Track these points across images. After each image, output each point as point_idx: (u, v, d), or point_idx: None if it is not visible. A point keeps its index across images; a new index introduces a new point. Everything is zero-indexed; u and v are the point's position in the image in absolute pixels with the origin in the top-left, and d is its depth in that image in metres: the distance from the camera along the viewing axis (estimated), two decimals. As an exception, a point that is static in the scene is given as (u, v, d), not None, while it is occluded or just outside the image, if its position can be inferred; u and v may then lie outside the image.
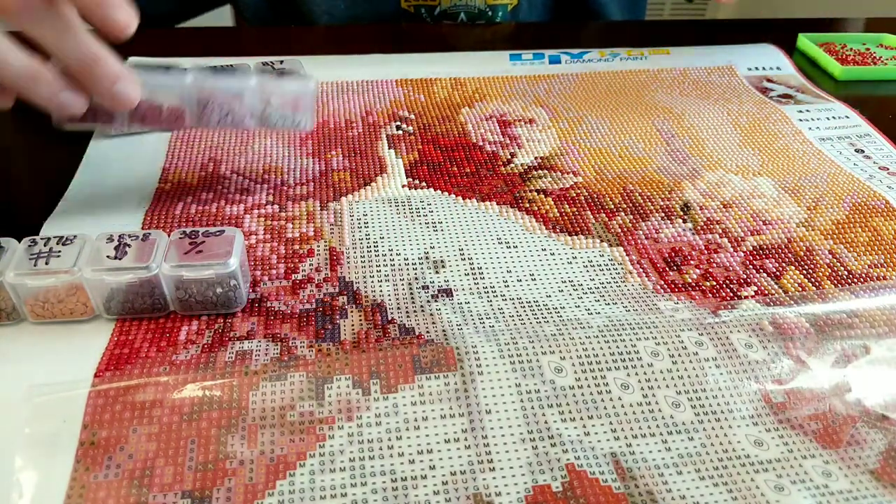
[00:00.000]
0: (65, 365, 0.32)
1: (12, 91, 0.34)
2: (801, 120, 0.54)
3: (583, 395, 0.31)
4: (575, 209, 0.43)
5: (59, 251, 0.33)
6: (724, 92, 0.58)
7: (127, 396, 0.30)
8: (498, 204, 0.43)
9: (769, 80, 0.60)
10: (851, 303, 0.37)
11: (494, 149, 0.49)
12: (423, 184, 0.45)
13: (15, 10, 0.31)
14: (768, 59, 0.64)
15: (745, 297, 0.37)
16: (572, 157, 0.48)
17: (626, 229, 0.42)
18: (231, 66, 0.44)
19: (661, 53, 0.63)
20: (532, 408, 0.31)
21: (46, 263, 0.33)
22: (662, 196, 0.44)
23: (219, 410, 0.30)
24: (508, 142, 0.50)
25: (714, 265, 0.39)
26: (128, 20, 0.33)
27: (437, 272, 0.38)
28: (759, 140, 0.51)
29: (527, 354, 0.33)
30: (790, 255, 0.40)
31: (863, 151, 0.50)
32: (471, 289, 0.37)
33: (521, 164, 0.47)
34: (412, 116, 0.53)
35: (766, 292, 0.37)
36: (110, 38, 0.33)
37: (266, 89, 0.40)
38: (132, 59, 0.37)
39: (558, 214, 0.43)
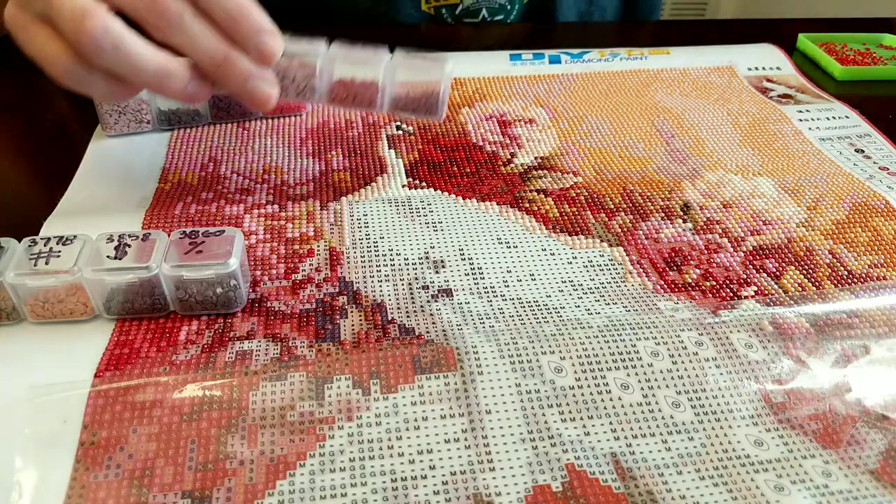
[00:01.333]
0: (65, 365, 0.32)
1: (141, 86, 0.36)
2: (801, 120, 0.54)
3: (583, 395, 0.31)
4: (575, 209, 0.43)
5: (59, 251, 0.33)
6: (724, 92, 0.58)
7: (127, 396, 0.30)
8: (498, 204, 0.43)
9: (769, 80, 0.60)
10: (851, 303, 0.37)
11: (494, 149, 0.49)
12: (423, 184, 0.45)
13: (153, 23, 0.33)
14: (768, 59, 0.64)
15: (745, 297, 0.37)
16: (572, 157, 0.48)
17: (626, 229, 0.42)
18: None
19: (661, 53, 0.63)
20: (532, 408, 0.31)
21: (46, 263, 0.33)
22: (662, 196, 0.44)
23: (219, 410, 0.30)
24: (508, 142, 0.50)
25: (714, 265, 0.39)
26: (275, 48, 0.35)
27: (437, 272, 0.38)
28: (759, 140, 0.51)
29: (527, 354, 0.33)
30: (790, 255, 0.40)
31: (863, 151, 0.50)
32: (471, 289, 0.37)
33: (521, 164, 0.47)
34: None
35: (766, 292, 0.37)
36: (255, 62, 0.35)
37: (398, 76, 0.39)
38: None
39: (558, 214, 0.43)
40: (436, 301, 0.36)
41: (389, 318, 0.35)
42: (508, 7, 0.71)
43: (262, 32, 0.35)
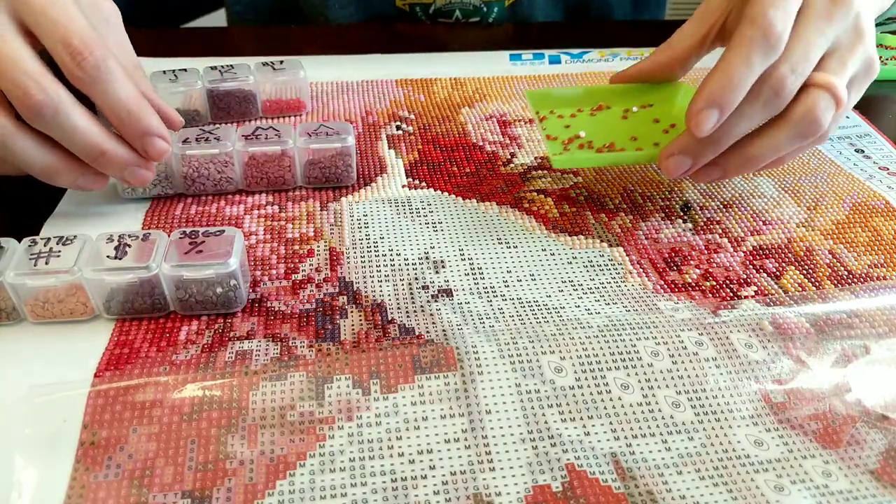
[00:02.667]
0: (65, 365, 0.32)
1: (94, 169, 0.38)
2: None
3: (583, 395, 0.31)
4: (575, 209, 0.43)
5: (59, 251, 0.33)
6: (724, 92, 0.57)
7: (127, 396, 0.30)
8: (498, 204, 0.43)
9: (769, 80, 0.60)
10: (851, 303, 0.37)
11: (494, 149, 0.49)
12: (423, 184, 0.45)
13: (25, 114, 0.34)
14: (768, 59, 0.63)
15: (745, 297, 0.37)
16: (572, 157, 0.48)
17: (626, 229, 0.42)
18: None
19: (661, 53, 0.63)
20: (532, 408, 0.31)
21: (46, 263, 0.33)
22: (662, 196, 0.44)
23: (219, 410, 0.30)
24: (508, 142, 0.50)
25: (714, 265, 0.39)
26: (160, 150, 0.38)
27: (437, 272, 0.38)
28: (759, 140, 0.51)
29: (527, 354, 0.33)
30: (790, 255, 0.40)
31: (863, 151, 0.50)
32: (471, 289, 0.37)
33: (521, 164, 0.47)
34: (412, 116, 0.53)
35: (766, 292, 0.37)
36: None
37: (305, 150, 0.43)
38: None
39: (558, 214, 0.43)
40: (436, 301, 0.36)
41: (389, 318, 0.35)
42: (485, 10, 0.71)
43: (147, 136, 0.37)
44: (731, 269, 0.39)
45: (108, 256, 0.33)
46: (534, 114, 0.44)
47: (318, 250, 0.39)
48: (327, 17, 0.70)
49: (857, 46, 0.37)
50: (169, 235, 0.34)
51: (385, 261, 0.39)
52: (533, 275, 0.38)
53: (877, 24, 0.50)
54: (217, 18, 0.80)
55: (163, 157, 0.38)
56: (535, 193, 0.44)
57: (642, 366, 0.33)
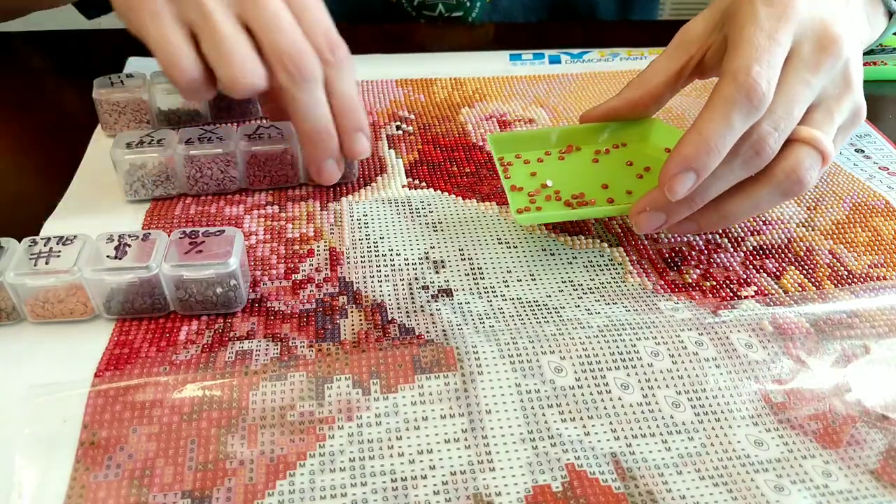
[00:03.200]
0: (65, 365, 0.32)
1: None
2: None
3: (583, 395, 0.31)
4: (575, 209, 0.43)
5: (59, 251, 0.33)
6: (724, 92, 0.57)
7: (127, 396, 0.30)
8: (498, 204, 0.43)
9: (769, 80, 0.60)
10: (851, 303, 0.37)
11: (494, 149, 0.49)
12: (423, 184, 0.45)
13: (292, 72, 0.36)
14: (768, 59, 0.63)
15: (745, 297, 0.37)
16: (572, 157, 0.48)
17: (626, 229, 0.42)
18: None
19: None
20: (532, 408, 0.31)
21: (46, 263, 0.33)
22: (662, 196, 0.44)
23: (219, 410, 0.30)
24: (508, 142, 0.50)
25: (714, 265, 0.39)
26: (365, 149, 0.39)
27: (437, 272, 0.38)
28: (759, 140, 0.51)
29: (527, 354, 0.33)
30: (790, 255, 0.40)
31: (863, 151, 0.50)
32: (471, 289, 0.37)
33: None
34: (412, 116, 0.53)
35: (766, 292, 0.37)
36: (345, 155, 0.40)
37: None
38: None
39: (558, 214, 0.43)
40: (436, 301, 0.36)
41: (389, 318, 0.35)
42: (468, 4, 0.71)
43: (360, 131, 0.39)
44: (731, 269, 0.39)
45: (108, 256, 0.33)
46: (496, 160, 0.41)
47: (318, 250, 0.39)
48: None
49: (845, 96, 0.35)
50: (169, 235, 0.34)
51: (385, 261, 0.39)
52: (533, 275, 0.38)
53: (865, 54, 0.48)
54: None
55: (363, 156, 0.40)
56: (535, 193, 0.44)
57: (642, 366, 0.33)
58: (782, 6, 0.34)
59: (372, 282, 0.37)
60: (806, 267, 0.39)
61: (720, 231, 0.41)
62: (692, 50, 0.39)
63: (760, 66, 0.32)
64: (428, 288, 0.37)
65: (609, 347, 0.33)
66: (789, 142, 0.34)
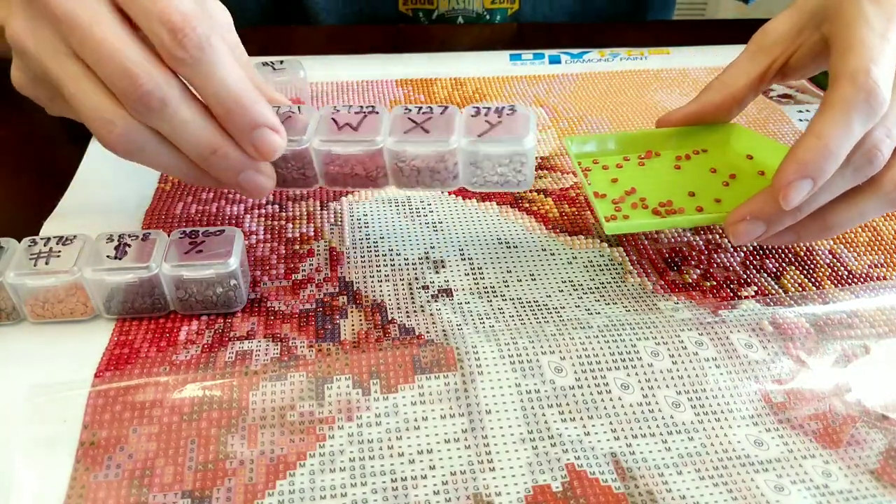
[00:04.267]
0: (65, 365, 0.32)
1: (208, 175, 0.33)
2: (801, 120, 0.54)
3: (583, 395, 0.31)
4: (575, 209, 0.43)
5: (59, 251, 0.33)
6: (724, 92, 0.57)
7: (127, 396, 0.30)
8: (498, 204, 0.43)
9: (769, 80, 0.60)
10: (851, 303, 0.37)
11: (494, 149, 0.49)
12: (423, 184, 0.45)
13: (133, 107, 0.30)
14: (768, 59, 0.63)
15: (745, 297, 0.37)
16: (572, 157, 0.48)
17: (626, 229, 0.42)
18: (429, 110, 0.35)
19: (661, 53, 0.63)
20: (532, 408, 0.31)
21: (46, 263, 0.33)
22: (662, 196, 0.44)
23: (219, 410, 0.30)
24: (508, 142, 0.50)
25: (714, 265, 0.39)
26: (274, 145, 0.32)
27: (437, 272, 0.38)
28: (759, 140, 0.51)
29: (527, 354, 0.33)
30: (790, 255, 0.40)
31: (863, 151, 0.50)
32: (471, 289, 0.37)
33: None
34: (412, 116, 0.53)
35: (766, 292, 0.37)
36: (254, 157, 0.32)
37: (475, 151, 0.34)
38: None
39: (558, 214, 0.43)
40: (436, 301, 0.36)
41: (389, 318, 0.35)
42: (487, 17, 0.71)
43: (258, 127, 0.31)
44: (731, 269, 0.39)
45: (108, 256, 0.33)
46: (575, 165, 0.39)
47: (318, 250, 0.39)
48: (330, 12, 0.70)
49: None
50: (169, 235, 0.34)
51: (385, 261, 0.39)
52: (533, 275, 0.38)
53: None
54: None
55: (275, 154, 0.32)
56: (535, 193, 0.44)
57: (642, 366, 0.33)
58: (891, 5, 0.32)
59: (372, 282, 0.37)
60: (806, 267, 0.39)
61: (720, 231, 0.41)
62: (776, 52, 0.37)
63: (879, 67, 0.30)
64: (428, 288, 0.37)
65: (609, 347, 0.33)
66: None
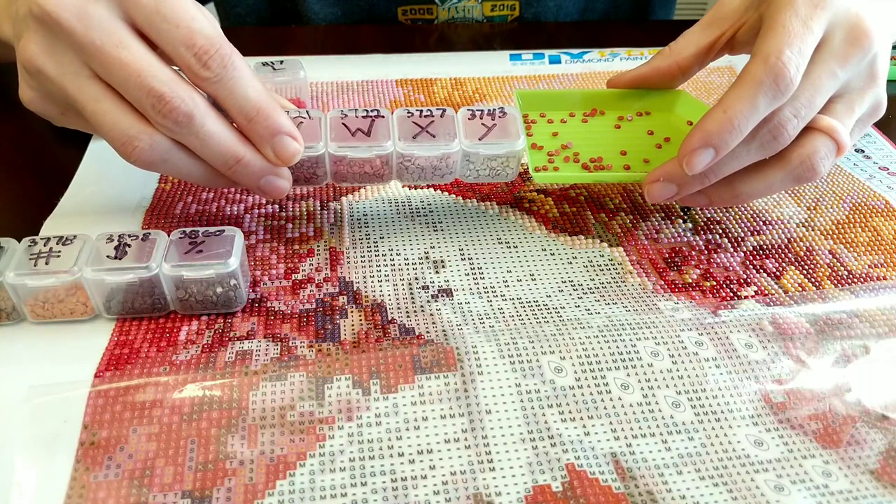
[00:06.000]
0: (65, 365, 0.32)
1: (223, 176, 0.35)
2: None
3: (583, 395, 0.31)
4: (575, 209, 0.43)
5: (59, 251, 0.33)
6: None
7: (127, 396, 0.30)
8: (498, 204, 0.43)
9: (769, 80, 0.60)
10: (851, 303, 0.37)
11: (494, 149, 0.49)
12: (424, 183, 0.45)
13: (160, 122, 0.32)
14: (768, 59, 0.63)
15: (745, 297, 0.37)
16: (572, 157, 0.48)
17: (626, 229, 0.42)
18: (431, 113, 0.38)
19: (661, 53, 0.63)
20: (532, 408, 0.31)
21: (46, 263, 0.33)
22: (662, 196, 0.44)
23: (219, 410, 0.30)
24: (508, 142, 0.50)
25: (714, 265, 0.39)
26: (293, 151, 0.34)
27: (437, 272, 0.38)
28: (759, 140, 0.51)
29: (527, 354, 0.33)
30: (790, 255, 0.40)
31: (863, 151, 0.50)
32: (471, 289, 0.37)
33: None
34: (412, 116, 0.53)
35: (766, 292, 0.37)
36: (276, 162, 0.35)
37: (475, 152, 0.37)
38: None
39: (558, 214, 0.43)
40: (436, 301, 0.36)
41: (389, 318, 0.35)
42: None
43: (278, 135, 0.34)
44: (731, 269, 0.39)
45: (108, 256, 0.33)
46: (519, 117, 0.39)
47: (318, 250, 0.39)
48: (330, 21, 0.70)
49: (869, 90, 0.36)
50: (169, 235, 0.34)
51: (385, 261, 0.39)
52: (533, 275, 0.38)
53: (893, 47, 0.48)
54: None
55: (295, 159, 0.34)
56: (535, 193, 0.44)
57: (642, 366, 0.33)
58: None
59: (372, 282, 0.37)
60: (806, 267, 0.39)
61: (720, 231, 0.41)
62: (725, 25, 0.39)
63: (792, 51, 0.32)
64: (428, 288, 0.37)
65: (609, 347, 0.33)
66: (807, 129, 0.35)
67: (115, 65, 0.31)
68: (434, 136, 0.37)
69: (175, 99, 0.31)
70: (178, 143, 0.33)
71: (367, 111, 0.38)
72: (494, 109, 0.39)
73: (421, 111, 0.38)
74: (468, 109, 0.38)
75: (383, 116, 0.38)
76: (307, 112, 0.37)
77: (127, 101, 0.32)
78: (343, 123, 0.37)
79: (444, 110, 0.38)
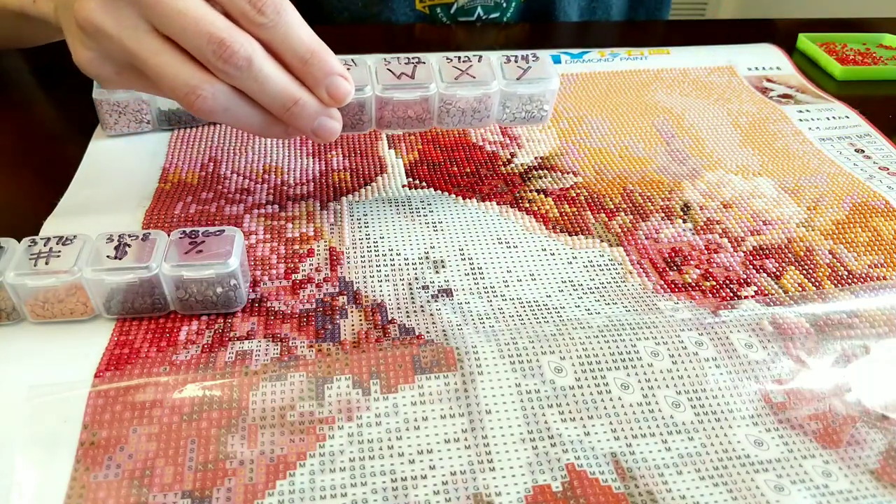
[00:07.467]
0: (65, 365, 0.32)
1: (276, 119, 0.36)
2: (801, 120, 0.54)
3: (583, 395, 0.31)
4: (575, 209, 0.43)
5: (59, 251, 0.33)
6: (724, 92, 0.57)
7: (127, 396, 0.30)
8: (498, 204, 0.43)
9: (769, 80, 0.60)
10: (851, 303, 0.37)
11: (494, 149, 0.49)
12: (423, 184, 0.45)
13: (220, 68, 0.32)
14: (768, 59, 0.64)
15: (745, 297, 0.37)
16: (572, 157, 0.48)
17: (626, 229, 0.42)
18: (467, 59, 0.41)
19: (661, 53, 0.63)
20: (532, 408, 0.31)
21: (46, 263, 0.33)
22: (662, 196, 0.44)
23: (219, 410, 0.30)
24: (508, 142, 0.50)
25: (714, 265, 0.39)
26: (346, 91, 0.35)
27: (437, 272, 0.38)
28: (758, 140, 0.51)
29: (527, 354, 0.33)
30: (790, 255, 0.40)
31: (863, 151, 0.50)
32: (471, 289, 0.37)
33: (521, 164, 0.47)
34: (412, 116, 0.53)
35: (766, 292, 0.37)
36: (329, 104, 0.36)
37: (513, 92, 0.40)
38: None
39: (558, 214, 0.43)
40: (436, 301, 0.36)
41: (389, 318, 0.35)
42: (504, 5, 0.71)
43: (331, 75, 0.35)
44: (731, 269, 0.39)
45: (108, 256, 0.33)
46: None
47: (318, 250, 0.39)
48: (350, 10, 0.70)
49: None
50: (169, 235, 0.34)
51: (385, 261, 0.39)
52: (533, 275, 0.38)
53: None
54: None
55: (347, 99, 0.35)
56: (535, 193, 0.44)
57: (642, 366, 0.33)
58: None
59: (372, 282, 0.37)
60: (806, 267, 0.39)
61: (720, 231, 0.41)
62: None
63: None
64: (428, 288, 0.37)
65: (609, 347, 0.33)
66: None
67: (174, 14, 0.32)
68: (474, 78, 0.39)
69: (235, 44, 0.32)
70: (237, 91, 0.34)
71: (408, 58, 0.40)
72: (528, 54, 0.41)
73: (459, 56, 0.40)
74: (503, 54, 0.41)
75: (425, 63, 0.40)
76: (352, 59, 0.39)
77: (186, 53, 0.33)
78: (388, 69, 0.39)
79: (480, 55, 0.40)
